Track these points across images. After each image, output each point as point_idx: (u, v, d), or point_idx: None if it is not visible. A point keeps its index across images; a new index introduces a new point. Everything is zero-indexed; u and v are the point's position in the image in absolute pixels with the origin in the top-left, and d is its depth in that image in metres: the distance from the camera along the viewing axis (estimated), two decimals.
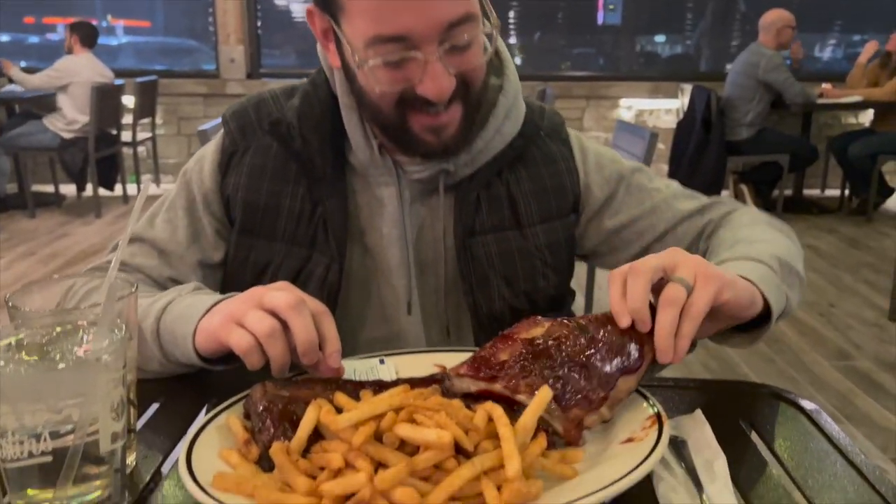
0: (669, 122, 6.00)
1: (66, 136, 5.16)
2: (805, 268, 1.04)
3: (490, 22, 0.93)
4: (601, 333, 0.79)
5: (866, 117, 6.09)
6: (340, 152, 1.04)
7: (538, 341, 0.78)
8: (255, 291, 0.82)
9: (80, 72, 5.15)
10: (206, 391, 0.89)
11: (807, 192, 5.97)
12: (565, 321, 0.81)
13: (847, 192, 5.75)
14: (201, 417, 0.76)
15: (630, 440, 0.73)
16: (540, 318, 0.83)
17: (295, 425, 0.69)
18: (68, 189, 5.81)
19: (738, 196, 5.68)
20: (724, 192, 5.56)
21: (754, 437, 0.82)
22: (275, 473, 0.66)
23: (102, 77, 5.27)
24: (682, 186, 1.18)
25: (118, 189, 5.74)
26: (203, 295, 0.92)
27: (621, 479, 0.64)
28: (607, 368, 0.76)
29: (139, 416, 0.84)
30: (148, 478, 0.73)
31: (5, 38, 6.60)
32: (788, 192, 5.72)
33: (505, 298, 1.07)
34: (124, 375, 0.60)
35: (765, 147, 5.31)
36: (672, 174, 5.63)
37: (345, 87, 1.00)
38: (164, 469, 0.75)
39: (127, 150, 5.83)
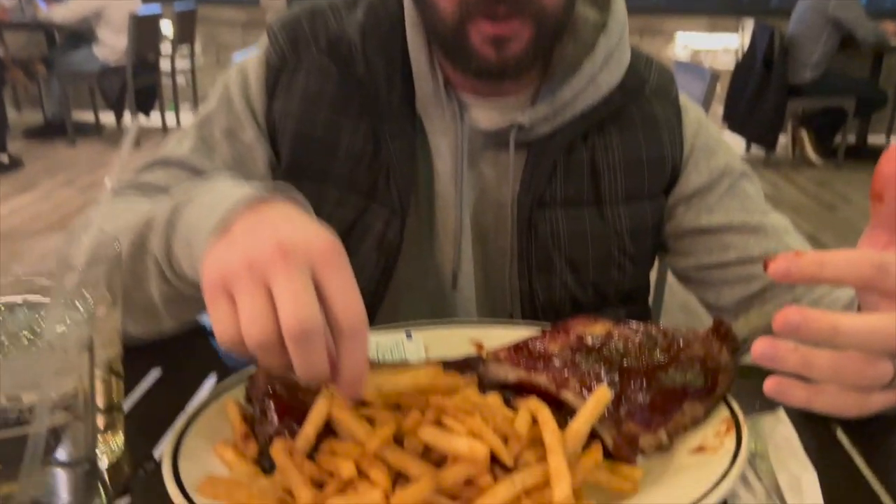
0: (727, 63, 5.67)
1: (112, 63, 5.09)
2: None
3: None
4: (672, 347, 0.66)
5: None
6: (409, 81, 0.88)
7: (596, 339, 0.66)
8: (271, 241, 0.51)
9: None
10: (216, 357, 0.78)
11: (872, 139, 5.64)
12: (630, 324, 0.69)
13: None
14: (204, 391, 0.65)
15: (701, 449, 0.61)
16: (600, 318, 0.71)
17: (303, 418, 0.58)
18: (107, 118, 5.76)
19: (797, 143, 5.38)
20: (782, 138, 5.26)
21: (847, 443, 0.69)
22: (276, 477, 0.55)
23: None
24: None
25: (157, 119, 5.68)
26: (230, 187, 0.63)
27: (695, 503, 0.52)
28: (673, 387, 0.63)
29: (131, 386, 0.74)
30: (136, 466, 0.64)
31: None
32: (851, 139, 5.40)
33: (567, 287, 0.90)
34: (89, 357, 0.49)
35: (829, 90, 4.99)
36: (728, 117, 5.35)
37: None
38: (157, 453, 0.65)
39: (166, 81, 5.75)
